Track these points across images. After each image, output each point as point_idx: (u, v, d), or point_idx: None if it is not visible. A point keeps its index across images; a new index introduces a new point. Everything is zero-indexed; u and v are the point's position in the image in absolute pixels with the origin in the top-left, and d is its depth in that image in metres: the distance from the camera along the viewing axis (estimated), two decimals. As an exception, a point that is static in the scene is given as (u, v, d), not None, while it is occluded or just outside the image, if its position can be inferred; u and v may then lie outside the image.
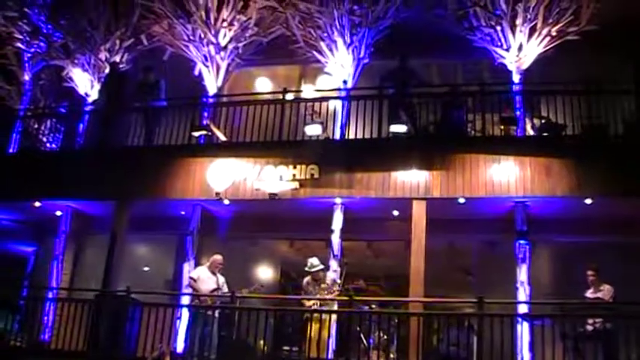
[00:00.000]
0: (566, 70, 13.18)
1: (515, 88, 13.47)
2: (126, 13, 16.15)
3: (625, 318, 10.38)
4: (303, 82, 16.30)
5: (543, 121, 13.04)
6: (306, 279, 12.28)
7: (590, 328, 10.80)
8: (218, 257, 12.58)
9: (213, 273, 12.45)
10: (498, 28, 13.62)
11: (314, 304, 11.89)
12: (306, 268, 12.29)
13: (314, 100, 14.27)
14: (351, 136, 13.43)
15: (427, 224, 12.08)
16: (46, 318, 13.65)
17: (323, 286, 12.05)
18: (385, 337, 11.91)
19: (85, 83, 16.22)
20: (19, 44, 16.94)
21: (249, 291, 12.10)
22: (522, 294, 11.72)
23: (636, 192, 11.19)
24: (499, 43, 13.63)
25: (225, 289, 12.36)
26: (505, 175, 12.02)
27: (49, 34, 16.79)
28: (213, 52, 15.14)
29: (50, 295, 14.04)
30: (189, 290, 12.61)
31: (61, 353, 12.07)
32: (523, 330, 11.15)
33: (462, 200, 12.17)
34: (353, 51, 14.27)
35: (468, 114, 13.24)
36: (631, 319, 10.28)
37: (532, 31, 13.44)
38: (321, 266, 12.24)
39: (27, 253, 16.52)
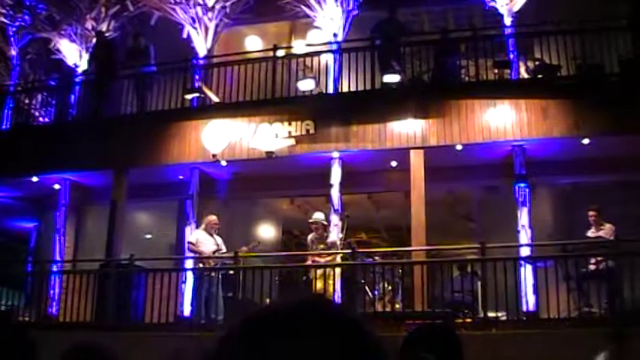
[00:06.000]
0: (558, 10, 13.00)
1: (508, 31, 13.30)
2: (110, -21, 15.90)
3: (627, 255, 10.43)
4: (294, 37, 16.12)
5: (537, 63, 12.93)
6: (310, 236, 12.29)
7: (592, 267, 10.85)
8: (213, 217, 12.54)
9: (211, 234, 12.42)
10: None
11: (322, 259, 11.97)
12: (309, 220, 12.35)
13: (305, 55, 14.13)
14: (345, 89, 13.35)
15: (426, 173, 12.06)
16: (52, 292, 13.70)
17: (322, 246, 12.05)
18: (390, 287, 11.97)
19: (74, 54, 16.03)
20: (2, 19, 16.66)
21: (247, 249, 12.13)
22: (524, 237, 11.74)
23: (633, 130, 11.12)
24: (489, -14, 13.43)
25: (224, 248, 12.35)
26: (501, 120, 11.95)
27: (32, 6, 16.53)
28: (200, 13, 14.92)
29: (55, 269, 14.10)
30: (191, 255, 12.64)
31: (69, 325, 12.14)
32: (526, 273, 11.18)
33: (459, 147, 12.11)
34: (342, 3, 14.07)
35: (461, 60, 13.12)
36: (633, 256, 10.32)
37: (522, -30, 13.25)
38: (323, 219, 12.22)
39: (28, 229, 16.53)
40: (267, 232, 15.84)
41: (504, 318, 10.79)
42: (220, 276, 12.13)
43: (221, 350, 1.06)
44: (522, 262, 11.18)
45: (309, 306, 1.09)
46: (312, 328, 1.03)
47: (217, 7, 14.96)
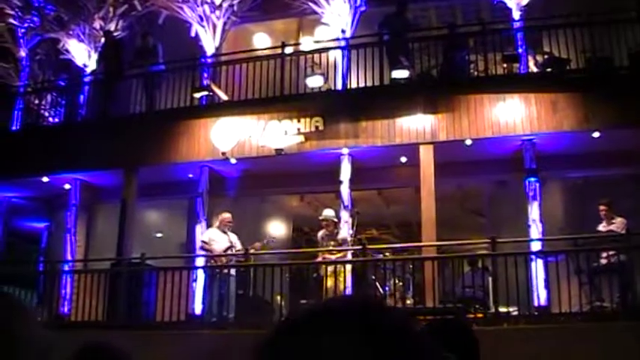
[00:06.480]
0: (567, 3, 12.93)
1: (516, 25, 13.24)
2: (117, -22, 15.93)
3: (638, 249, 10.37)
4: (302, 34, 16.10)
5: (546, 56, 12.87)
6: (321, 233, 12.30)
7: (604, 261, 10.79)
8: (226, 215, 12.55)
9: (224, 232, 12.43)
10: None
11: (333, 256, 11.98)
12: (320, 217, 12.34)
13: (313, 51, 14.12)
14: (353, 85, 13.32)
15: (435, 168, 12.03)
16: (63, 291, 13.75)
17: (332, 243, 12.06)
18: (400, 283, 11.95)
19: (82, 54, 16.08)
20: (11, 20, 16.74)
21: (261, 245, 12.14)
22: (535, 231, 11.69)
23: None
24: (497, -21, 13.37)
25: (239, 246, 12.36)
26: (511, 114, 11.90)
27: (40, 6, 16.59)
28: (208, 11, 14.93)
29: (66, 268, 14.15)
30: (202, 253, 12.65)
31: (80, 324, 12.19)
32: (537, 267, 11.14)
33: (469, 142, 12.07)
34: (349, -1, 14.06)
35: (469, 55, 13.08)
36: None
37: (531, -37, 13.17)
38: (333, 216, 12.22)
39: (39, 228, 16.60)
40: (277, 229, 15.84)
41: (516, 313, 10.74)
42: (234, 273, 12.16)
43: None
44: (533, 257, 11.13)
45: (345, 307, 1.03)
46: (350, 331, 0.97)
47: (225, 5, 14.96)
